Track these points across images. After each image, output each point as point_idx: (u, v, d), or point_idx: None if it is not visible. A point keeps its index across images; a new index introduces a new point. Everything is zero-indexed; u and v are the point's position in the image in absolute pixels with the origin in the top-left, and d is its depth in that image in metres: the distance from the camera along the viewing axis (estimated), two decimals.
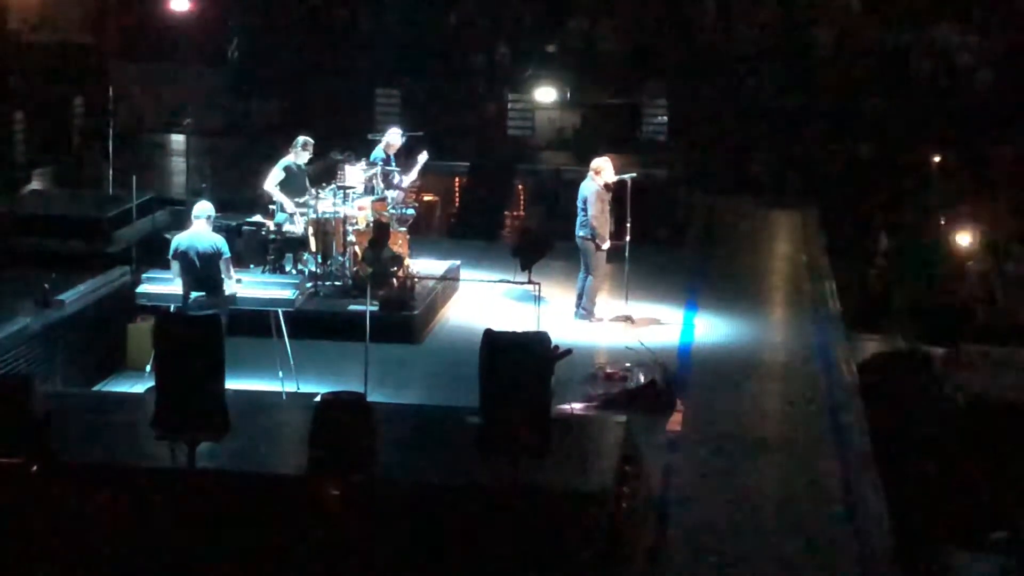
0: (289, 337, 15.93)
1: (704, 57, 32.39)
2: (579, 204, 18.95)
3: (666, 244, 24.04)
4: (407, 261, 19.24)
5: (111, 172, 22.62)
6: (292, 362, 15.93)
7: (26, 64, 29.63)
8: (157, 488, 11.74)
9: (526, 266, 17.65)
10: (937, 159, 29.53)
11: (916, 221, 27.64)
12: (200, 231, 15.36)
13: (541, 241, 18.12)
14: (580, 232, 18.90)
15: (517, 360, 11.61)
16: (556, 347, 12.70)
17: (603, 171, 18.98)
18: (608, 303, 19.51)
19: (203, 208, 15.52)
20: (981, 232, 26.76)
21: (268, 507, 11.60)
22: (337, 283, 18.60)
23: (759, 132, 30.52)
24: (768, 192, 28.58)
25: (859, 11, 33.08)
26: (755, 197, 28.00)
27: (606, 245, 18.92)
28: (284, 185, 18.80)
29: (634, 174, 19.53)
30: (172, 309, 15.27)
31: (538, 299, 16.78)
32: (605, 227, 18.90)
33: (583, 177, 19.31)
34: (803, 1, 33.36)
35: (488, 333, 11.78)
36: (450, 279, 20.10)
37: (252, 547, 11.35)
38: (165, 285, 15.64)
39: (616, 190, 19.12)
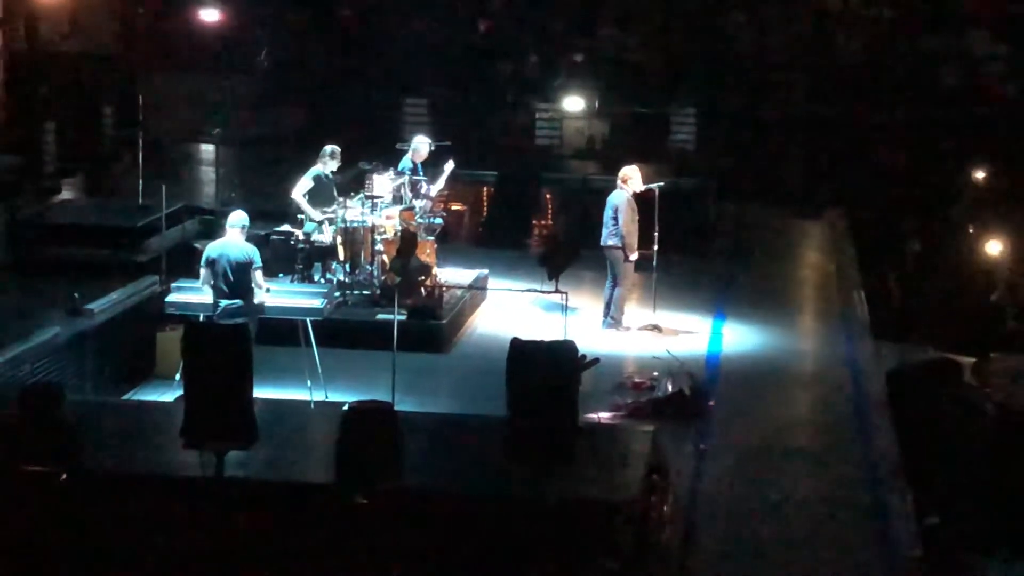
0: (317, 346, 15.97)
1: (733, 66, 32.34)
2: (607, 213, 18.92)
3: (694, 253, 23.98)
4: (435, 270, 19.26)
5: (141, 181, 22.70)
6: (320, 371, 15.96)
7: (57, 74, 29.72)
8: (185, 497, 11.78)
9: (553, 275, 17.64)
10: (966, 167, 29.42)
11: (945, 230, 27.52)
12: (233, 240, 15.43)
13: (568, 250, 18.11)
14: (609, 241, 18.87)
15: (544, 369, 11.63)
16: (583, 356, 12.72)
17: (631, 180, 18.98)
18: (636, 312, 19.49)
19: (238, 218, 15.60)
20: (1010, 240, 26.63)
21: (296, 516, 11.63)
22: (365, 292, 18.64)
23: (788, 141, 30.44)
24: (797, 201, 28.50)
25: (889, 20, 32.99)
26: (784, 206, 27.93)
27: (634, 256, 18.90)
28: (313, 194, 18.86)
29: (662, 183, 19.51)
30: (201, 318, 15.34)
31: (565, 308, 16.77)
32: (634, 236, 18.90)
33: (611, 186, 19.31)
34: (833, 10, 33.31)
35: (515, 342, 11.80)
36: (478, 288, 20.12)
37: (279, 555, 11.39)
38: (194, 294, 15.71)
39: (644, 199, 19.12)
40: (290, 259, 18.63)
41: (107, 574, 11.40)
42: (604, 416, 15.29)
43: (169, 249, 19.66)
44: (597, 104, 30.59)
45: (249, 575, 11.38)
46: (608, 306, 19.03)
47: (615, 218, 18.80)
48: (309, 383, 15.88)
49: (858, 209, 27.63)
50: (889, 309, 22.86)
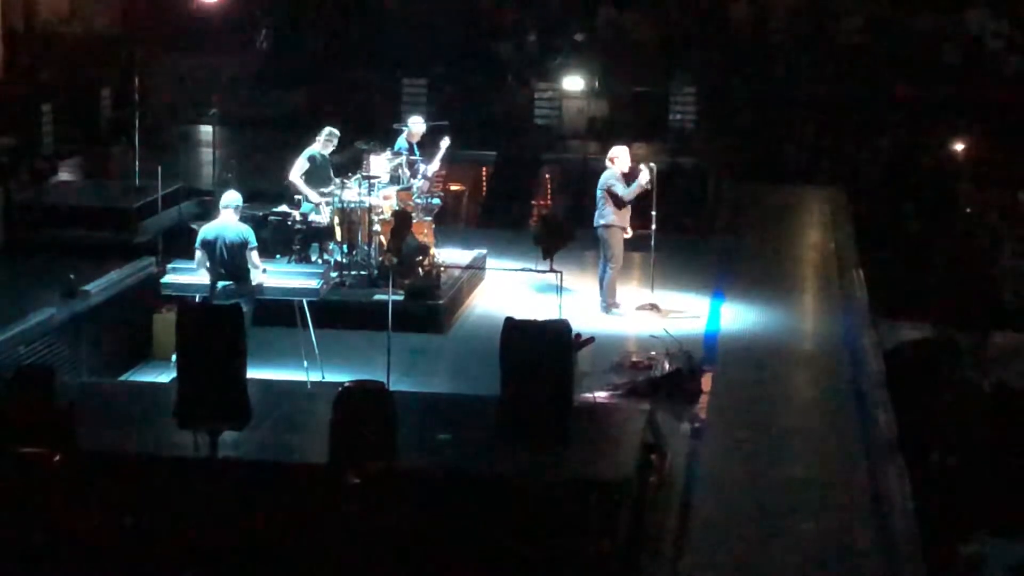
0: (314, 326, 15.95)
1: (734, 45, 32.32)
2: (598, 193, 18.89)
3: (694, 232, 23.95)
4: (433, 250, 19.22)
5: (138, 163, 22.67)
6: (317, 351, 15.94)
7: (55, 56, 29.71)
8: (178, 477, 11.78)
9: (548, 254, 17.59)
10: (966, 146, 29.41)
11: (943, 207, 27.50)
12: (228, 221, 15.40)
13: (562, 229, 18.02)
14: (600, 221, 18.84)
15: (537, 348, 11.61)
16: (578, 335, 12.70)
17: (618, 159, 18.97)
18: (634, 292, 19.47)
19: (231, 198, 15.56)
20: (1010, 219, 26.62)
21: (288, 496, 11.62)
22: (362, 273, 18.60)
23: (789, 120, 30.42)
24: (797, 180, 28.46)
25: None
26: (784, 185, 27.89)
27: (628, 234, 18.84)
28: (309, 175, 18.82)
29: (652, 165, 19.26)
30: (197, 299, 15.31)
31: (560, 287, 16.74)
32: (626, 213, 18.84)
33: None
34: None
35: (508, 321, 11.79)
36: (476, 268, 20.08)
37: (272, 535, 11.39)
38: (190, 275, 15.65)
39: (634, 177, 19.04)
40: (287, 240, 18.59)
41: (100, 554, 11.38)
42: (600, 396, 15.26)
43: (166, 230, 19.64)
44: (597, 83, 30.53)
45: (242, 556, 11.36)
46: (602, 286, 18.99)
47: (604, 198, 18.75)
48: (306, 364, 15.86)
49: (859, 187, 27.62)
50: (888, 287, 22.79)
